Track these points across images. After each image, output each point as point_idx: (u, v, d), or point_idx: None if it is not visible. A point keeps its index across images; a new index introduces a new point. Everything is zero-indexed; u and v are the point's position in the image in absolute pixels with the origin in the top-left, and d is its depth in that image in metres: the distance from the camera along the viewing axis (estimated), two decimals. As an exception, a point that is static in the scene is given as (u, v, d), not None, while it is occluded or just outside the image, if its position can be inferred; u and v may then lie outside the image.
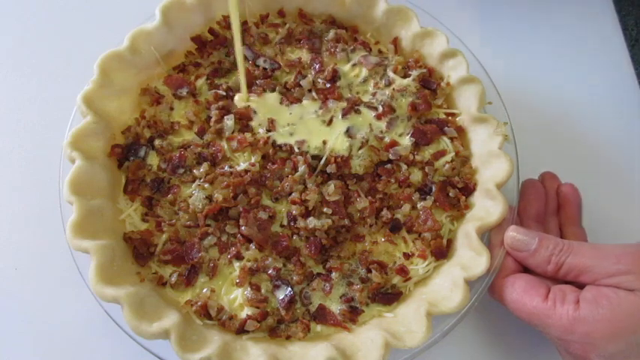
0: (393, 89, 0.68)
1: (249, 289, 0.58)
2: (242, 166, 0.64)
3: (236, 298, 0.59)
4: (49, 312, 0.65)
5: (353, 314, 0.58)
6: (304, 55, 0.73)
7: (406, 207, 0.63)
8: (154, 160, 0.65)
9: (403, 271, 0.60)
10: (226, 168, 0.64)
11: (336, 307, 0.59)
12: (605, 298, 0.51)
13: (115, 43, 0.65)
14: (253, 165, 0.63)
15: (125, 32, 0.66)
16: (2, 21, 0.83)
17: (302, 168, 0.63)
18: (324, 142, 0.65)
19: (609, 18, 0.82)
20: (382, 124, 0.67)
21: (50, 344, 0.63)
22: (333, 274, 0.60)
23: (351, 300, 0.59)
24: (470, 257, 0.58)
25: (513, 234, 0.57)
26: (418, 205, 0.63)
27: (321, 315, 0.58)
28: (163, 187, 0.64)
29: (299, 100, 0.68)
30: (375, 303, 0.59)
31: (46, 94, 0.76)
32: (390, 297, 0.59)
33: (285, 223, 0.62)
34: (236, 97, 0.68)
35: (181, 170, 0.64)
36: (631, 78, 0.79)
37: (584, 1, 0.84)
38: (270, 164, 0.64)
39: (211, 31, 0.73)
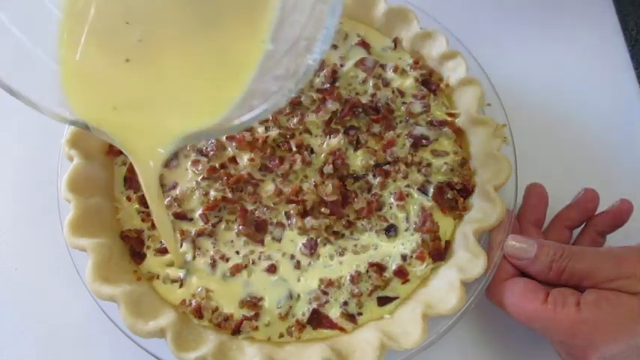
0: (392, 91, 0.68)
1: (245, 288, 0.58)
2: (241, 163, 0.64)
3: (232, 298, 0.58)
4: (48, 311, 0.65)
5: (351, 317, 0.58)
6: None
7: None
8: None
9: (402, 273, 0.60)
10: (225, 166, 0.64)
11: (335, 310, 0.58)
12: (607, 301, 0.51)
13: (114, 43, 0.65)
14: (252, 160, 0.64)
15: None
16: (3, 20, 0.83)
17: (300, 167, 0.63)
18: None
19: (609, 18, 0.82)
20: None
21: (49, 343, 0.63)
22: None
23: (348, 304, 0.58)
24: (467, 259, 0.58)
25: (512, 242, 0.57)
26: (416, 207, 0.63)
27: (316, 319, 0.58)
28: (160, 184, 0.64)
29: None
30: (373, 305, 0.59)
31: (46, 93, 0.76)
32: (388, 299, 0.59)
33: (283, 221, 0.62)
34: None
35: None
36: (631, 78, 0.78)
37: (584, 2, 0.83)
38: (268, 162, 0.64)
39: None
